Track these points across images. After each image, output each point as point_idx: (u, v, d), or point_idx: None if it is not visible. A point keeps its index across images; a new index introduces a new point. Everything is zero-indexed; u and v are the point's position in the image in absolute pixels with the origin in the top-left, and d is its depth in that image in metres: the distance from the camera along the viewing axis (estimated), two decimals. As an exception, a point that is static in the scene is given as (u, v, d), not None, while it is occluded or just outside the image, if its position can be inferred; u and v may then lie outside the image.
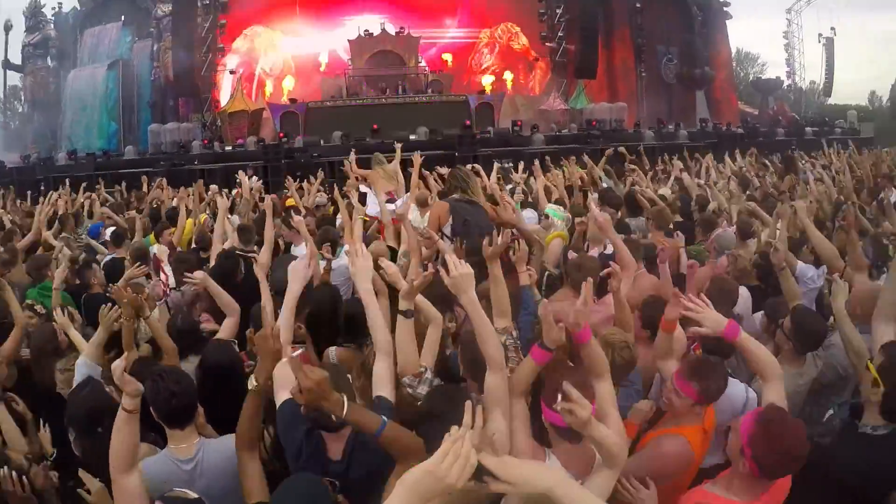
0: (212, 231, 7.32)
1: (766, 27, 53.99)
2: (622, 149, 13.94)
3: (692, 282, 4.85)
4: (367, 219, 6.56)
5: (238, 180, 9.72)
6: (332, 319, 4.05)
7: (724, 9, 37.53)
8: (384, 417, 2.56)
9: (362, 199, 7.68)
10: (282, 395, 3.01)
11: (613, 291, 4.09)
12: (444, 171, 8.84)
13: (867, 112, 60.43)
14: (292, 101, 25.55)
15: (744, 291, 4.95)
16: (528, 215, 7.23)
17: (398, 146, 10.03)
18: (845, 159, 13.34)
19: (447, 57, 30.39)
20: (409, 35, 28.53)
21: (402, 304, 3.33)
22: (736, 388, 3.36)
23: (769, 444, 2.48)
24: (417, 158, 8.33)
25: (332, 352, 3.91)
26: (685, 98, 34.14)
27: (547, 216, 6.90)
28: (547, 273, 5.33)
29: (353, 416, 2.51)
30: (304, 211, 8.20)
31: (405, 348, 3.29)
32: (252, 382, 2.89)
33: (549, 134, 24.08)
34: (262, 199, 10.16)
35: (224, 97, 26.89)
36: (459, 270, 2.85)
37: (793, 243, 5.82)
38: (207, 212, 8.99)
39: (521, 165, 11.28)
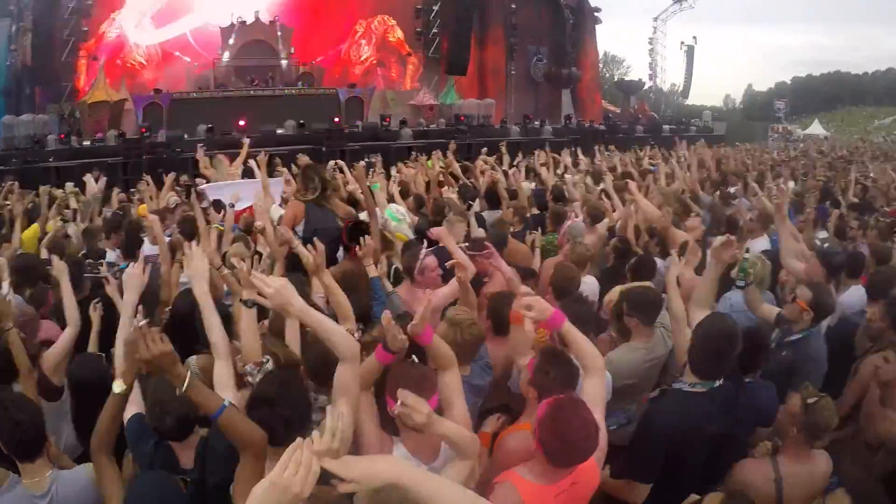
0: (65, 237, 7.08)
1: (633, 33, 56.84)
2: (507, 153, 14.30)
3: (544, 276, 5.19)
4: (221, 228, 6.21)
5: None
6: (189, 326, 3.87)
7: (595, 13, 38.95)
8: (227, 402, 2.51)
9: (216, 205, 7.24)
10: (130, 410, 2.99)
11: (461, 282, 4.25)
12: (305, 159, 8.93)
13: (721, 113, 65.76)
14: (157, 91, 24.32)
15: (590, 279, 5.35)
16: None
17: (245, 141, 10.14)
18: (693, 154, 14.15)
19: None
20: (282, 25, 27.69)
21: (244, 294, 3.34)
22: None
23: (553, 430, 2.53)
24: (262, 158, 8.09)
25: (192, 360, 3.68)
26: (552, 96, 35.41)
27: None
28: (394, 267, 5.47)
29: (192, 394, 2.45)
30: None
31: (247, 338, 3.30)
32: (119, 385, 2.73)
33: (417, 129, 24.01)
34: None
35: (86, 86, 24.82)
36: (273, 285, 2.72)
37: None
38: (58, 218, 8.31)
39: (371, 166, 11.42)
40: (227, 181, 8.32)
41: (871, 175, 15.74)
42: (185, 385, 2.41)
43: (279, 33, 27.45)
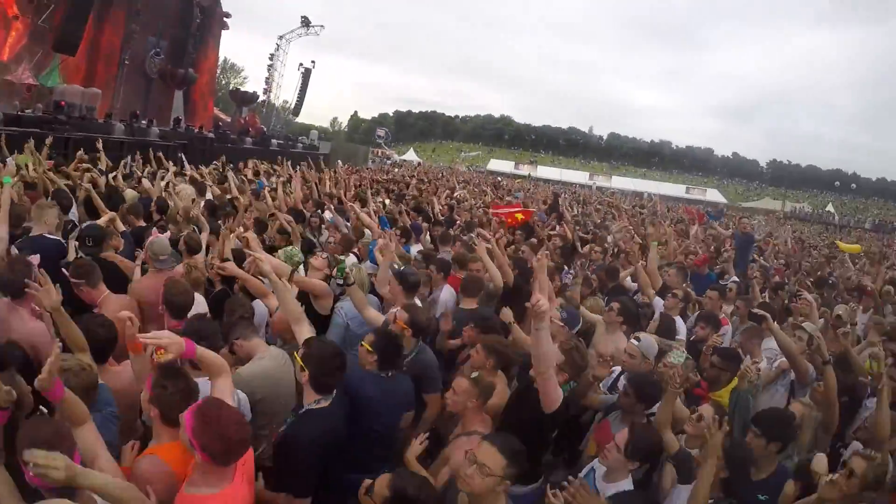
0: None
1: (256, 45, 58.05)
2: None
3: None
4: None
5: None
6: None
7: (225, 18, 38.66)
8: None
9: None
10: None
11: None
12: None
13: (327, 133, 70.81)
14: None
15: (199, 298, 5.29)
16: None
17: None
18: (297, 174, 14.78)
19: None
20: None
21: None
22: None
23: (210, 432, 2.67)
24: None
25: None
26: (164, 95, 33.93)
27: None
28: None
29: None
30: None
31: None
32: None
33: (9, 113, 19.00)
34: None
35: None
36: None
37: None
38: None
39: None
40: None
41: (457, 196, 18.99)
42: None
43: None
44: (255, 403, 4.08)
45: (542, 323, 3.78)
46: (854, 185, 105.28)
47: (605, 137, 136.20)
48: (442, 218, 12.65)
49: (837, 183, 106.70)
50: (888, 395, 4.78)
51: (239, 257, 6.18)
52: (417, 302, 5.87)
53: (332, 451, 3.71)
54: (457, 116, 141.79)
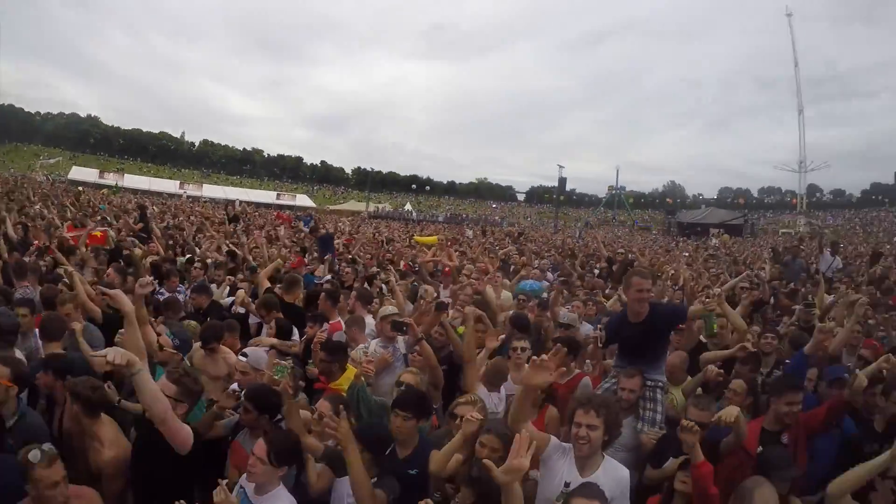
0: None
1: None
2: None
3: None
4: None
5: None
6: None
7: None
8: None
9: None
10: None
11: None
12: None
13: None
14: None
15: None
16: None
17: None
18: None
19: None
20: None
21: None
22: None
23: None
24: None
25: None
26: None
27: None
28: None
29: None
30: None
31: None
32: None
33: None
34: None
35: None
36: None
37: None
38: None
39: None
40: None
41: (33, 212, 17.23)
42: None
43: None
44: None
45: (134, 368, 3.60)
46: (428, 187, 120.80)
47: (197, 144, 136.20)
48: (15, 240, 11.25)
49: (414, 185, 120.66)
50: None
51: None
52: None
53: None
54: (38, 113, 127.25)
